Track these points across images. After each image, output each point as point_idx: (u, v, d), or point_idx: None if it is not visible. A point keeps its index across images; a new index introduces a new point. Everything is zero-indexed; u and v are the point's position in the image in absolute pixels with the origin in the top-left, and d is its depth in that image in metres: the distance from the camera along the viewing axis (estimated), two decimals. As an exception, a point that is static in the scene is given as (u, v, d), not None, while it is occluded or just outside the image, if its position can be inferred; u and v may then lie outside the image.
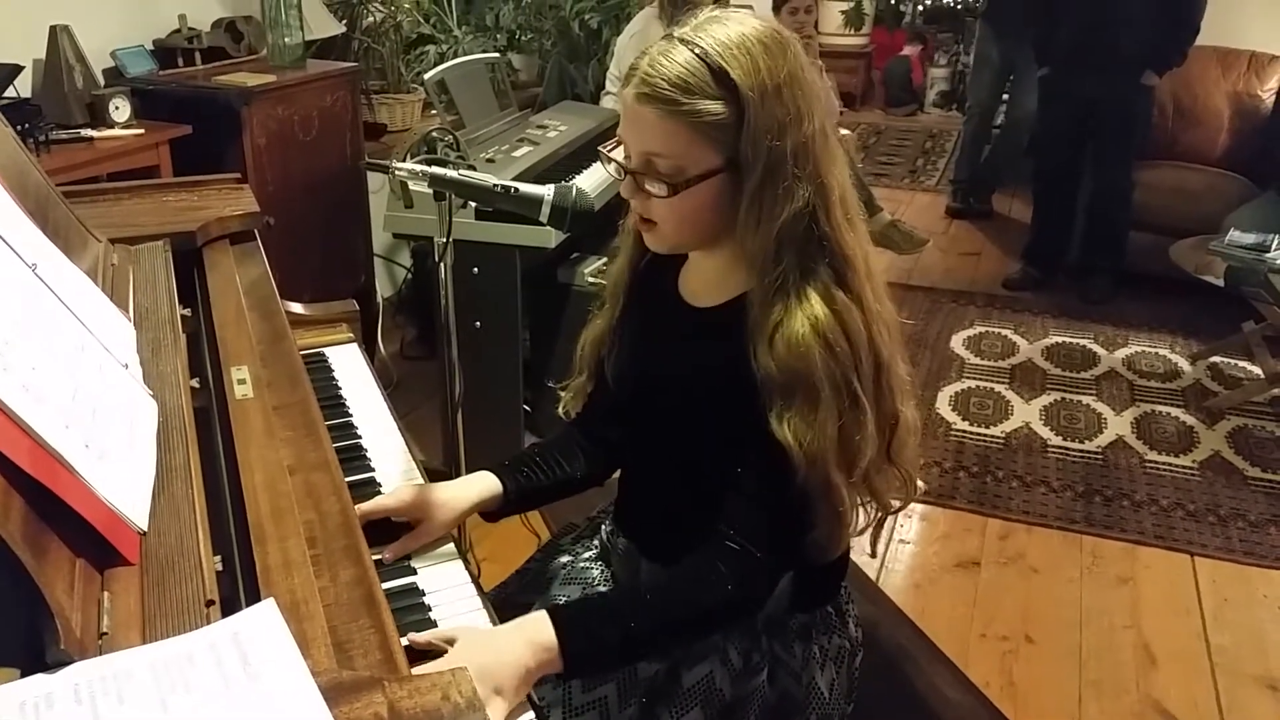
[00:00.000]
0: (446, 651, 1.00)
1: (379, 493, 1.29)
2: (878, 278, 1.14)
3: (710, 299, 1.20)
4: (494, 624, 1.11)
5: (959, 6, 7.31)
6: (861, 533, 1.23)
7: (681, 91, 1.05)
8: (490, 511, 1.30)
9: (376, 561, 1.10)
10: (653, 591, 1.16)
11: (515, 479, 1.31)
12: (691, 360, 1.19)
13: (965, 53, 7.43)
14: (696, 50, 1.06)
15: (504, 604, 1.36)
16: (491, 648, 1.00)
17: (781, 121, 1.05)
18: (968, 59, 7.31)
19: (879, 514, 1.22)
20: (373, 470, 1.34)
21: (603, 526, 1.42)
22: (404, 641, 1.00)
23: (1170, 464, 3.06)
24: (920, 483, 1.25)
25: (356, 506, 1.13)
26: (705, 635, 1.21)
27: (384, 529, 1.20)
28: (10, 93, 2.46)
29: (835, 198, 1.10)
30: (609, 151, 1.17)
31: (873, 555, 1.31)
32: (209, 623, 0.82)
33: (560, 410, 1.42)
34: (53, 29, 2.55)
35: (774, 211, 1.07)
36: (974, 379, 3.58)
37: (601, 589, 1.35)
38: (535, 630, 1.03)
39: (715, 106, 1.05)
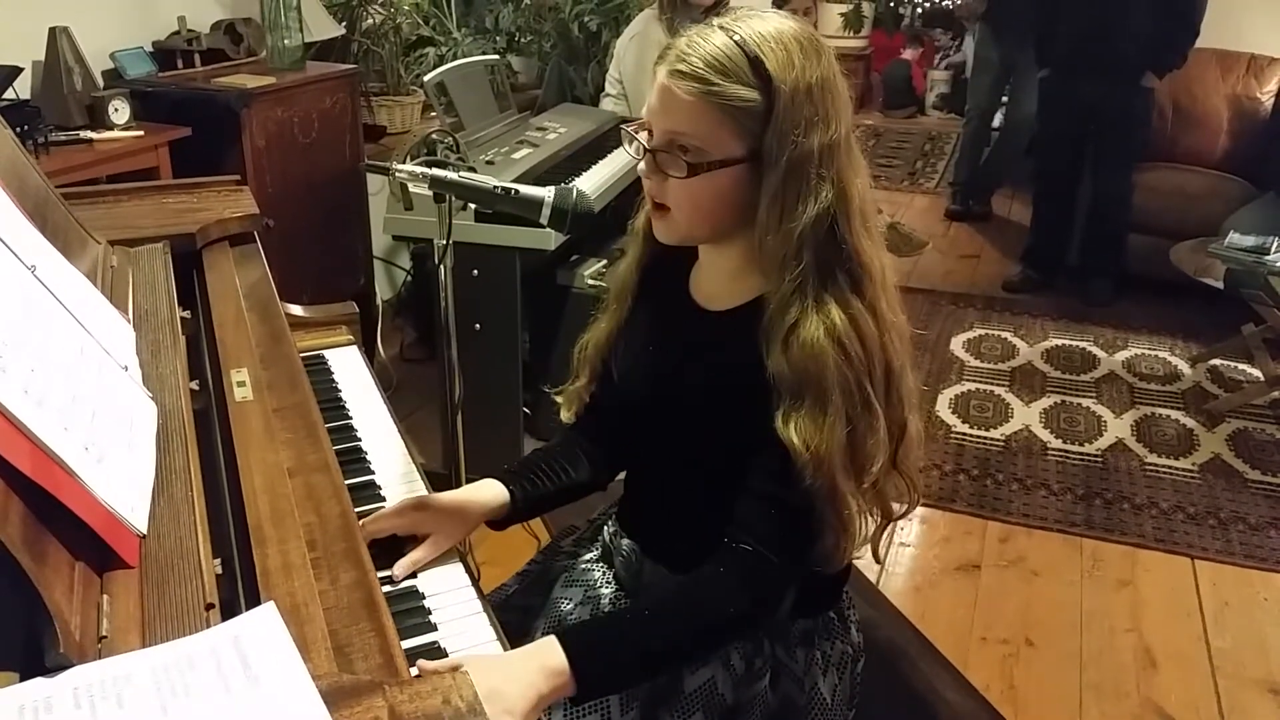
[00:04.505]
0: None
1: (379, 495, 1.29)
2: (892, 289, 1.14)
3: (724, 303, 1.19)
4: (493, 626, 1.11)
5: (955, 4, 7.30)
6: (866, 542, 1.23)
7: (716, 72, 1.05)
8: (496, 521, 1.28)
9: (386, 579, 1.08)
10: (663, 606, 1.13)
11: (522, 486, 1.29)
12: (705, 364, 1.19)
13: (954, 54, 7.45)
14: (735, 37, 1.06)
15: (504, 606, 1.37)
16: (502, 672, 0.97)
17: (809, 120, 1.06)
18: (958, 60, 7.34)
19: (884, 520, 1.22)
20: (373, 473, 1.34)
21: (605, 528, 1.42)
22: (413, 671, 0.97)
23: (1170, 467, 3.06)
24: (918, 496, 1.25)
25: (362, 526, 1.11)
26: (719, 646, 1.20)
27: (386, 541, 1.18)
28: (9, 94, 2.45)
29: (855, 206, 1.10)
30: (637, 131, 1.15)
31: (877, 561, 1.31)
32: (209, 626, 0.82)
33: (559, 414, 1.42)
34: (52, 30, 2.54)
35: (796, 211, 1.07)
36: (974, 381, 3.58)
37: (604, 590, 1.34)
38: (546, 654, 1.00)
39: (747, 93, 1.05)
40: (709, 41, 1.07)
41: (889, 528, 1.26)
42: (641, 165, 1.15)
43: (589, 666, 1.00)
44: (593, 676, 1.01)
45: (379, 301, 3.55)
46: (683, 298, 1.24)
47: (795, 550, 1.12)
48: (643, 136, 1.14)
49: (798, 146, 1.05)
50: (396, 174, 1.56)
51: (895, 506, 1.22)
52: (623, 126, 1.19)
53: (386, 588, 1.09)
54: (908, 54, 7.73)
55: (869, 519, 1.19)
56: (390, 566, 1.15)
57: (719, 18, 1.10)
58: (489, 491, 1.27)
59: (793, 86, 1.05)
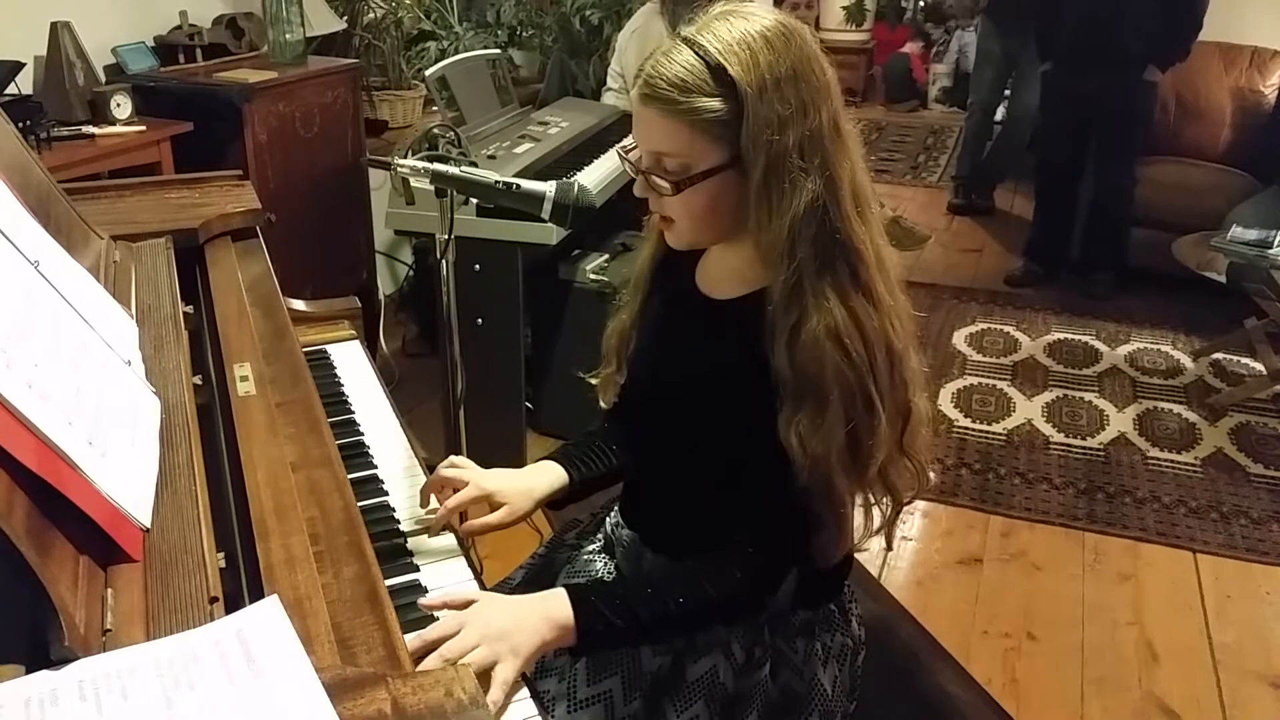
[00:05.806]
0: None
1: (382, 490, 1.30)
2: (890, 271, 1.14)
3: (728, 291, 1.20)
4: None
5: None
6: (878, 531, 1.23)
7: (679, 90, 1.06)
8: (555, 501, 1.33)
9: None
10: (666, 580, 1.18)
11: (578, 469, 1.34)
12: (707, 353, 1.20)
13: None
14: (697, 49, 1.07)
15: (507, 599, 1.38)
16: (512, 614, 1.05)
17: (782, 116, 1.05)
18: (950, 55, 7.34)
19: (894, 507, 1.22)
20: (375, 467, 1.34)
21: (607, 519, 1.43)
22: (421, 600, 1.08)
23: (1172, 460, 3.06)
24: (931, 474, 1.26)
25: (441, 502, 1.25)
26: (711, 627, 1.23)
27: (386, 540, 1.20)
28: (11, 89, 2.46)
29: (845, 191, 1.10)
30: (626, 152, 1.18)
31: (889, 548, 1.32)
32: (212, 619, 0.82)
33: (598, 400, 1.43)
34: (54, 25, 2.54)
35: (781, 206, 1.07)
36: (976, 376, 3.58)
37: (606, 580, 1.35)
38: (554, 606, 1.07)
39: (713, 104, 1.06)
40: (671, 60, 1.08)
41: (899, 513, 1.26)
42: (636, 186, 1.17)
43: (590, 625, 1.08)
44: (591, 635, 1.09)
45: (381, 296, 3.55)
46: (689, 287, 1.25)
47: (787, 545, 1.15)
48: (633, 156, 1.16)
49: (774, 144, 1.06)
50: (398, 169, 1.56)
51: (904, 493, 1.22)
52: (617, 149, 1.21)
53: (389, 581, 1.09)
54: (909, 47, 7.71)
55: (878, 509, 1.20)
56: (393, 566, 1.15)
57: (685, 28, 1.10)
58: (551, 473, 1.33)
59: (759, 87, 1.05)
